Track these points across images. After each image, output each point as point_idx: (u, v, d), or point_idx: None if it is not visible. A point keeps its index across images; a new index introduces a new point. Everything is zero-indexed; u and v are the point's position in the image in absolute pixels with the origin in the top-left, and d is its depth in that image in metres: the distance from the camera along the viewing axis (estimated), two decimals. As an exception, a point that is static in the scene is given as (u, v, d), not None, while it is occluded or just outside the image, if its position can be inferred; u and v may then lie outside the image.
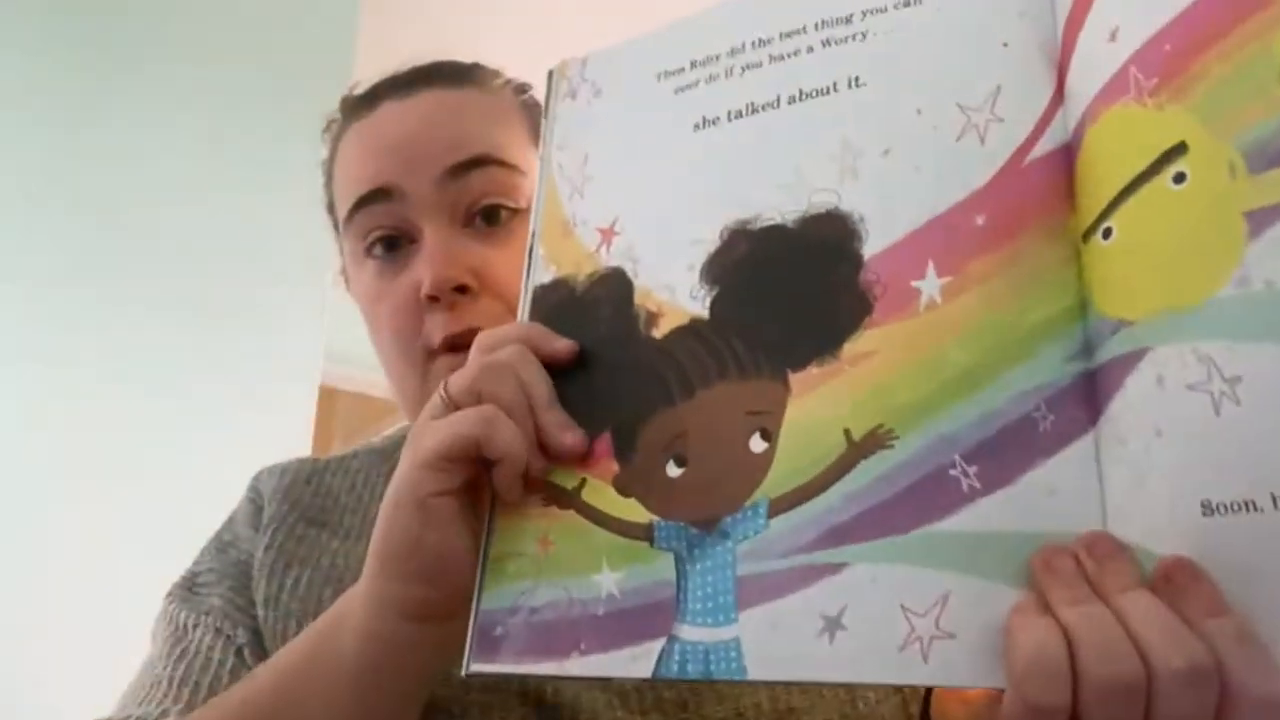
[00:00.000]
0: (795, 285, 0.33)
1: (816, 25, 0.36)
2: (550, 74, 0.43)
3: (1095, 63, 0.30)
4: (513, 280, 0.46)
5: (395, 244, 0.49)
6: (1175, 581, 0.24)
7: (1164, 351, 0.26)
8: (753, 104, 0.36)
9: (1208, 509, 0.25)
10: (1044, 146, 0.31)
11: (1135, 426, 0.26)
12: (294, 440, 1.49)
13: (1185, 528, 0.25)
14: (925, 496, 0.28)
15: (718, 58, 0.38)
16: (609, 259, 0.37)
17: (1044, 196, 0.30)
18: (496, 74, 0.54)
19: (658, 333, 0.35)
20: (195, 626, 0.47)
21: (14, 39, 1.38)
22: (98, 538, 1.29)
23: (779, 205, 0.34)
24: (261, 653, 0.46)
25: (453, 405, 0.34)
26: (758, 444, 0.31)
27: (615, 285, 0.36)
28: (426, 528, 0.33)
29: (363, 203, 0.49)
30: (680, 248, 0.35)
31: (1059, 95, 0.32)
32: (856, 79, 0.34)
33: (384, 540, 0.35)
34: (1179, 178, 0.27)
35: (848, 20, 0.35)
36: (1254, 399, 0.24)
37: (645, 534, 0.32)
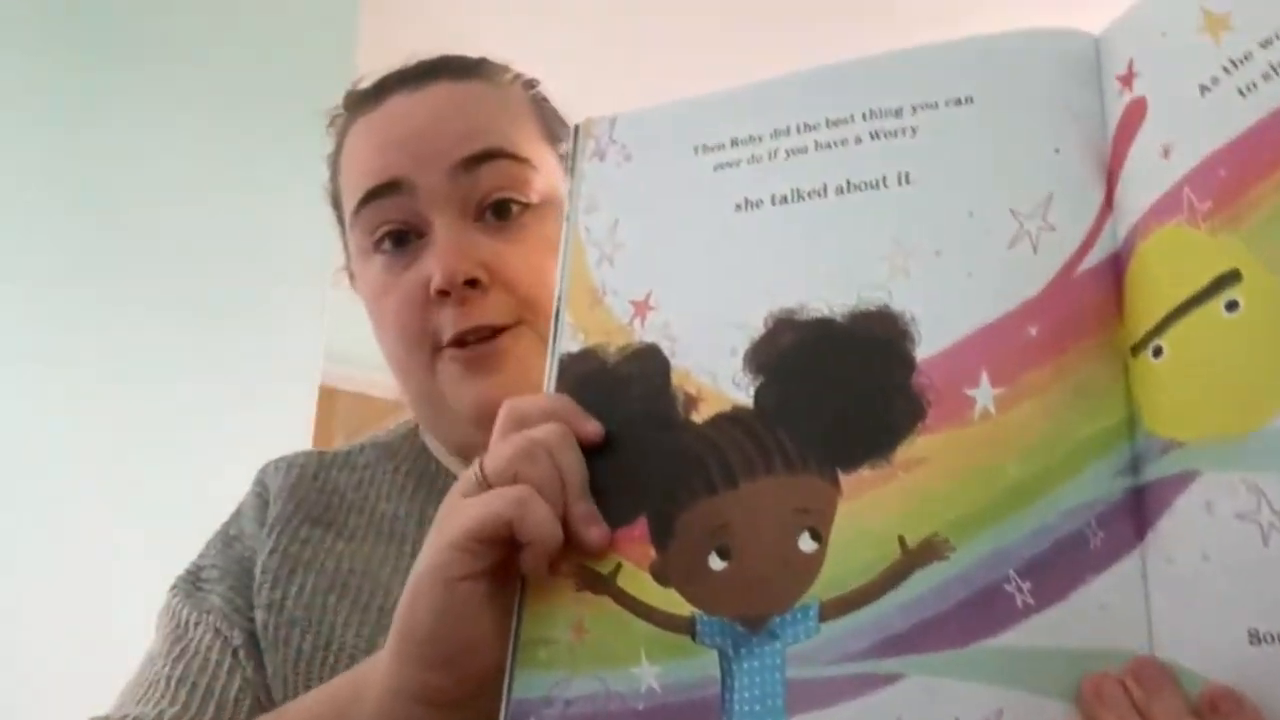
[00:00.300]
0: (846, 382, 0.33)
1: (864, 115, 0.37)
2: (575, 130, 0.43)
3: (1147, 177, 0.31)
4: (523, 274, 0.48)
5: (404, 239, 0.49)
6: (1220, 710, 0.25)
7: (1214, 478, 0.27)
8: (798, 190, 0.37)
9: (1255, 638, 0.26)
10: (1094, 257, 0.32)
11: (1183, 548, 0.27)
12: (294, 440, 1.48)
13: (1232, 655, 0.26)
14: (981, 611, 0.29)
15: (760, 138, 0.38)
16: (643, 334, 0.37)
17: (1094, 309, 0.31)
18: (505, 68, 0.54)
19: (698, 417, 0.35)
20: (197, 624, 0.48)
21: (14, 39, 1.39)
22: (98, 537, 1.30)
23: (826, 297, 0.35)
24: (256, 655, 0.46)
25: (486, 484, 0.34)
26: (807, 543, 0.32)
27: (651, 362, 0.36)
28: (449, 614, 0.33)
29: (371, 196, 0.49)
30: (722, 331, 0.36)
31: (1108, 204, 0.32)
32: (907, 175, 0.35)
33: (405, 622, 0.35)
34: (1231, 305, 0.28)
35: (897, 114, 0.36)
36: (1304, 534, 0.25)
37: (687, 627, 0.32)
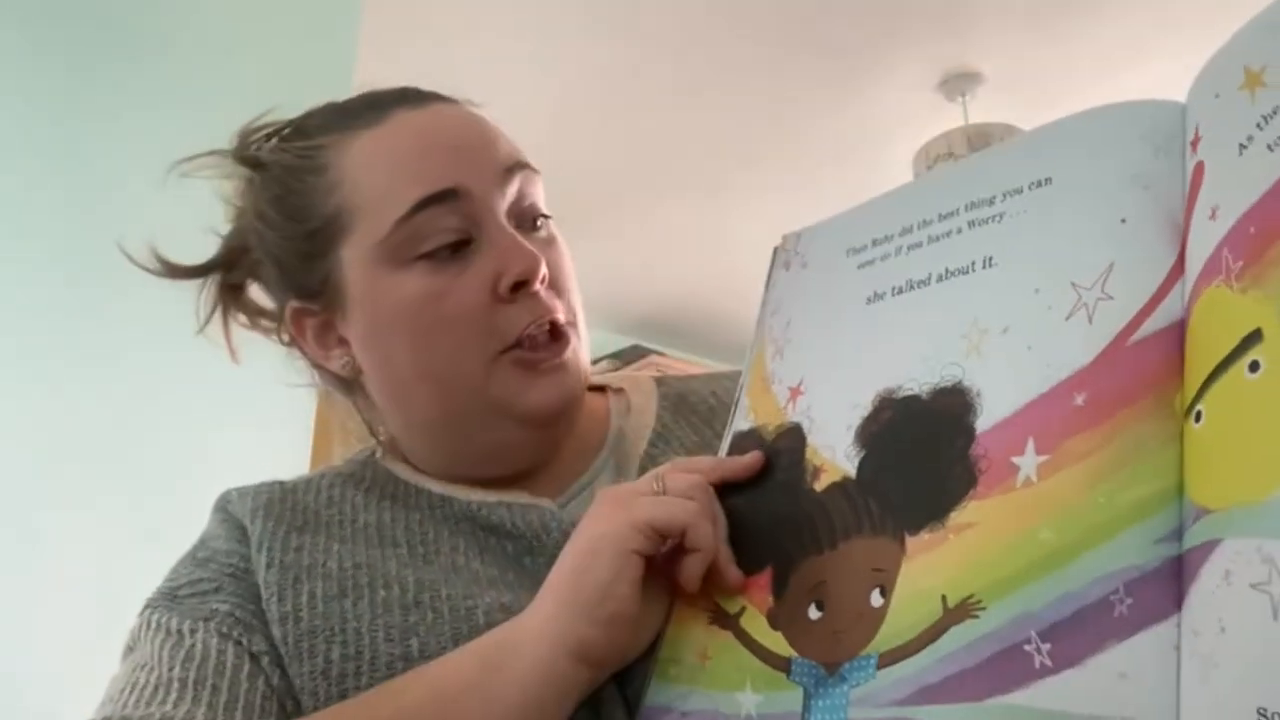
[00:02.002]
0: (920, 453, 0.37)
1: (966, 207, 0.41)
2: (775, 248, 0.52)
3: (1201, 240, 0.32)
4: (567, 276, 0.52)
5: (460, 246, 0.50)
6: None
7: (1233, 545, 0.27)
8: (910, 281, 0.42)
9: (1264, 716, 0.25)
10: (1156, 323, 0.33)
11: (1205, 619, 0.27)
12: (294, 441, 1.51)
13: (1242, 735, 0.25)
14: (1001, 668, 0.31)
15: (891, 237, 0.45)
16: (793, 414, 0.45)
17: (1149, 375, 0.32)
18: (471, 102, 0.57)
19: (818, 486, 0.42)
20: (194, 631, 0.46)
21: (14, 39, 1.42)
22: (97, 538, 1.31)
23: (918, 376, 0.39)
24: (280, 666, 0.46)
25: (664, 493, 0.41)
26: (876, 599, 0.36)
27: (794, 439, 0.44)
28: (621, 577, 0.39)
29: (430, 202, 0.49)
30: (843, 411, 0.42)
31: (1179, 267, 0.33)
32: (990, 259, 0.39)
33: (576, 582, 0.40)
34: (1254, 366, 0.28)
35: (990, 202, 0.40)
36: (1307, 607, 0.24)
37: (784, 666, 0.39)
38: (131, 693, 0.44)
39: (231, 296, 0.60)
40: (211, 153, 0.57)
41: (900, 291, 0.43)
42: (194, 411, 1.44)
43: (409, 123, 0.52)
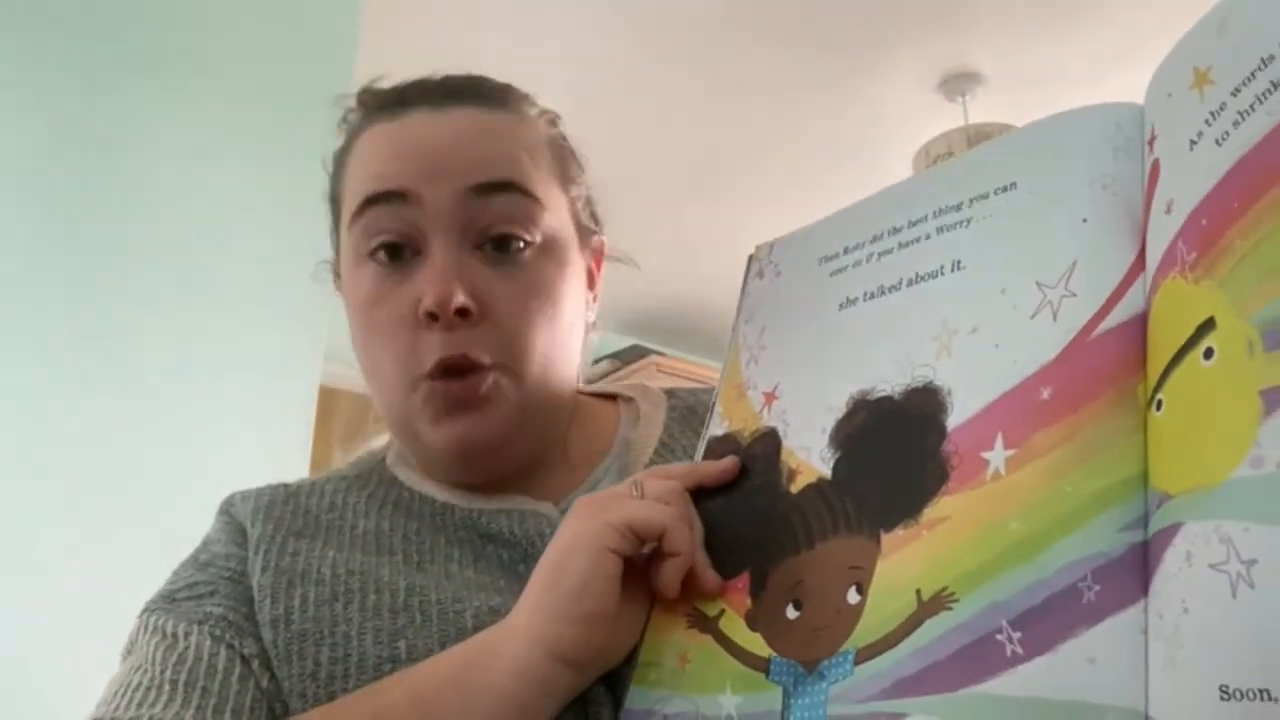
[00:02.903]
0: (893, 452, 0.39)
1: (935, 213, 0.43)
2: (750, 257, 0.54)
3: (1159, 234, 0.33)
4: (512, 313, 0.50)
5: (398, 252, 0.50)
6: None
7: (1193, 528, 0.28)
8: (882, 286, 0.44)
9: (1225, 694, 0.26)
10: (1117, 317, 0.34)
11: (1169, 602, 0.28)
12: (294, 440, 1.55)
13: (1204, 711, 0.26)
14: (973, 658, 0.32)
15: (862, 244, 0.46)
16: (769, 419, 0.46)
17: (1113, 367, 0.33)
18: (530, 101, 0.56)
19: (794, 488, 0.43)
20: (188, 634, 0.47)
21: (14, 40, 1.45)
22: (97, 537, 1.33)
23: (890, 378, 0.41)
24: (270, 669, 0.46)
25: (642, 498, 0.42)
26: (853, 596, 0.37)
27: (769, 443, 0.45)
28: (597, 574, 0.40)
29: (375, 200, 0.50)
30: (818, 414, 0.43)
31: (1139, 263, 0.34)
32: (958, 263, 0.40)
33: (553, 581, 0.40)
34: (1208, 353, 0.29)
35: (958, 208, 0.42)
36: (1267, 583, 0.25)
37: (763, 666, 0.39)
38: (124, 694, 0.45)
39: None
40: (343, 103, 0.58)
41: (871, 297, 0.44)
42: (194, 412, 1.46)
43: (411, 123, 0.52)
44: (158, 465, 1.41)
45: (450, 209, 0.50)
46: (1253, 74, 0.30)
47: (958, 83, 2.34)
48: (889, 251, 0.44)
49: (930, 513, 0.36)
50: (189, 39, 1.61)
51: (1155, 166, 0.34)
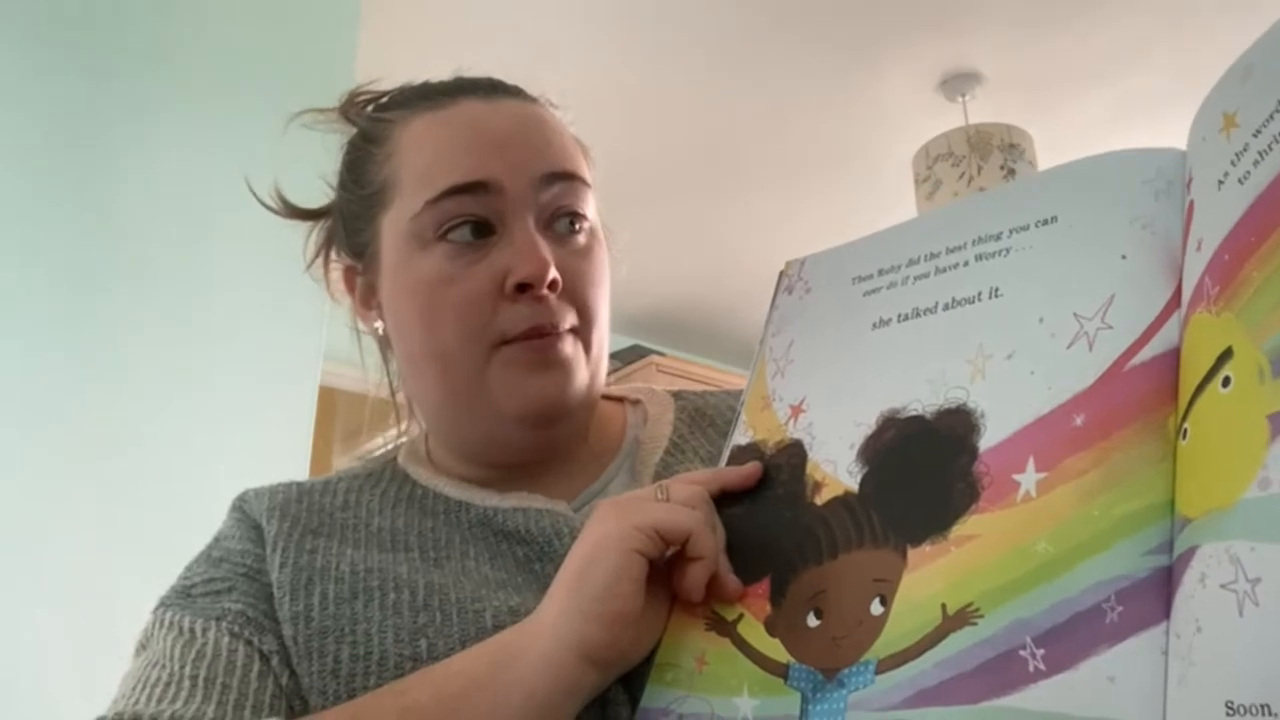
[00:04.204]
0: (924, 470, 0.41)
1: (974, 241, 0.45)
2: (780, 273, 0.57)
3: (1191, 271, 0.36)
4: (585, 285, 0.55)
5: (479, 233, 0.54)
6: None
7: (1208, 550, 0.30)
8: (917, 309, 0.46)
9: (1230, 709, 0.28)
10: (1153, 350, 0.36)
11: (1185, 621, 0.30)
12: (294, 440, 1.59)
13: (1214, 726, 0.28)
14: (996, 672, 0.34)
15: (899, 267, 0.49)
16: (794, 431, 0.49)
17: (1145, 398, 0.35)
18: (551, 103, 0.61)
19: (819, 500, 0.45)
20: (206, 630, 0.49)
21: (14, 41, 1.49)
22: (98, 537, 1.37)
23: (923, 398, 0.43)
24: (290, 666, 0.48)
25: (668, 501, 0.45)
26: (876, 608, 0.40)
27: (795, 455, 0.48)
28: (623, 576, 0.42)
29: (459, 191, 0.53)
30: (846, 429, 0.46)
31: (1175, 300, 0.37)
32: (996, 290, 0.43)
33: (580, 581, 0.42)
34: (1226, 381, 0.31)
35: (997, 237, 0.44)
36: (1271, 601, 0.27)
37: (782, 672, 0.42)
38: (143, 689, 0.46)
39: (329, 245, 0.64)
40: (323, 110, 0.62)
41: (906, 319, 0.46)
42: (194, 411, 1.50)
43: (466, 112, 0.56)
44: (157, 465, 1.44)
45: (526, 195, 0.54)
46: (1272, 115, 0.32)
47: (958, 83, 2.37)
48: (925, 276, 0.47)
49: (959, 530, 0.38)
50: (189, 40, 1.65)
51: (1190, 208, 0.37)
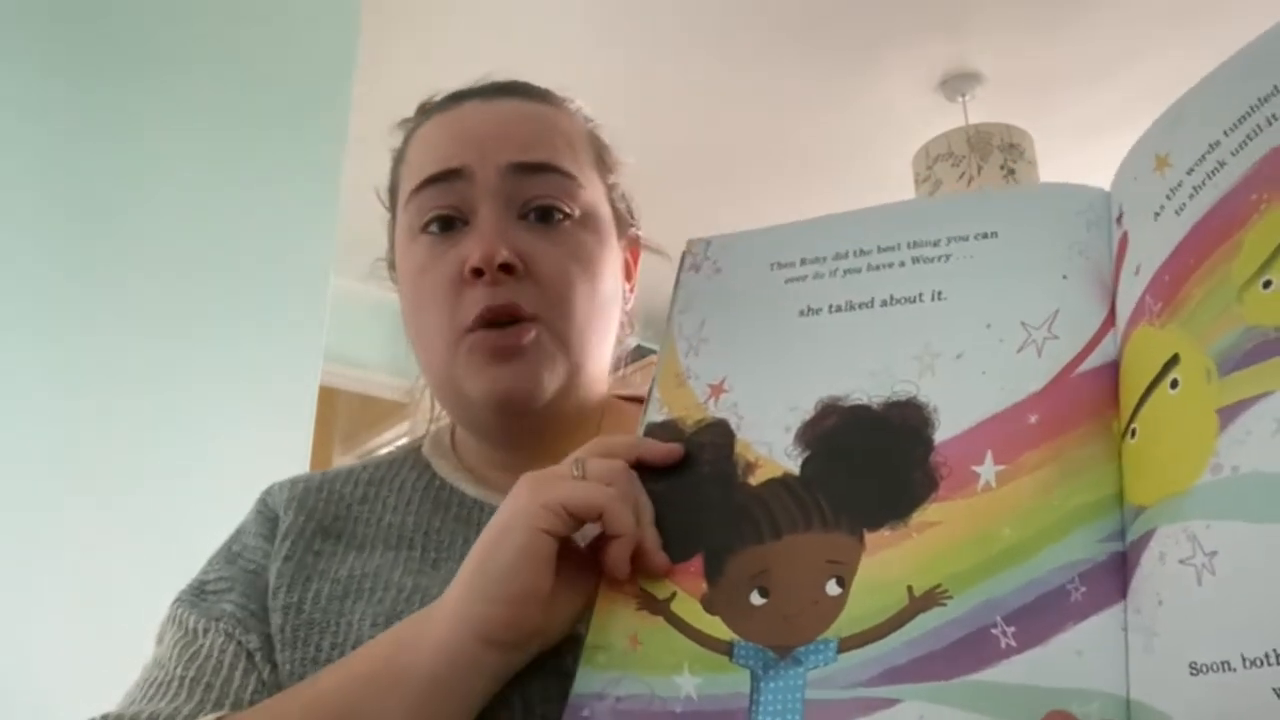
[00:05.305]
0: (876, 458, 0.44)
1: (909, 244, 0.49)
2: (683, 253, 0.58)
3: (1129, 293, 0.41)
4: (554, 271, 0.56)
5: (450, 223, 0.57)
6: None
7: (1165, 531, 0.35)
8: (850, 302, 0.49)
9: (1194, 669, 0.33)
10: (1094, 361, 0.42)
11: (1145, 597, 0.35)
12: (294, 440, 1.64)
13: (1178, 687, 0.33)
14: (969, 650, 0.38)
15: (824, 259, 0.52)
16: (716, 410, 0.50)
17: (1091, 402, 0.40)
18: (570, 100, 0.65)
19: (753, 480, 0.47)
20: (206, 631, 0.53)
21: (14, 43, 1.54)
22: (98, 537, 1.41)
23: (866, 389, 0.46)
24: (272, 659, 0.52)
25: (583, 478, 0.45)
26: (833, 589, 0.42)
27: (720, 433, 0.49)
28: (527, 555, 0.43)
29: (432, 180, 0.57)
30: (779, 412, 0.48)
31: (1110, 320, 0.42)
32: (939, 293, 0.47)
33: (483, 562, 0.44)
34: (1175, 384, 0.37)
35: (935, 244, 0.48)
36: (1226, 569, 0.33)
37: (726, 649, 0.43)
38: (143, 688, 0.51)
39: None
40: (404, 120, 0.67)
41: (839, 310, 0.49)
42: (194, 411, 1.55)
43: (463, 112, 0.60)
44: (158, 465, 1.49)
45: (496, 182, 0.57)
46: (1203, 156, 0.38)
47: (958, 83, 2.44)
48: (857, 271, 0.50)
49: (919, 517, 0.41)
50: (190, 39, 1.70)
51: (1124, 238, 0.42)
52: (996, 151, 2.33)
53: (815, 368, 0.48)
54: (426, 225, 0.58)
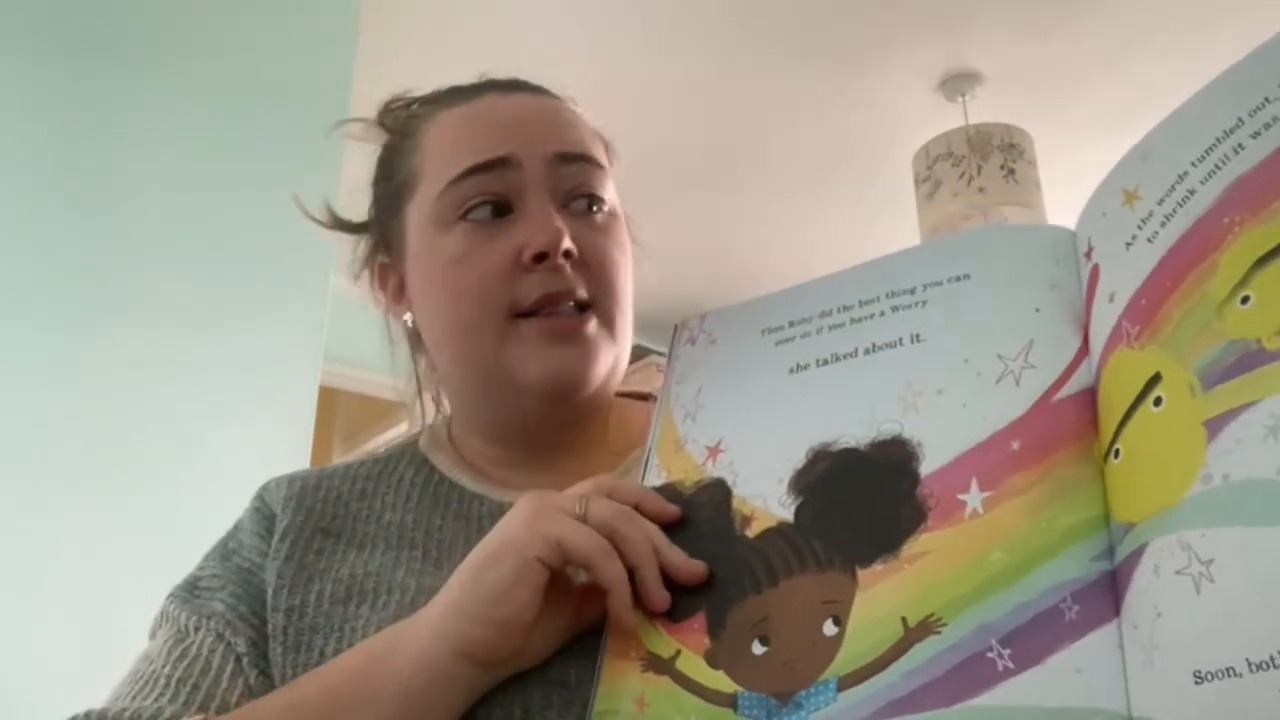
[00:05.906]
0: (865, 496, 0.44)
1: (888, 295, 0.51)
2: (676, 327, 0.60)
3: (1103, 321, 0.43)
4: (603, 258, 0.58)
5: (501, 211, 0.58)
6: None
7: (1158, 544, 0.36)
8: (836, 354, 0.51)
9: (1199, 678, 0.32)
10: (1072, 388, 0.43)
11: (1142, 611, 0.35)
12: (294, 440, 1.64)
13: (1182, 697, 0.33)
14: (966, 675, 0.37)
15: (810, 319, 0.54)
16: (714, 471, 0.51)
17: (1072, 426, 0.41)
18: (574, 100, 0.67)
19: (750, 532, 0.47)
20: (197, 629, 0.54)
21: (15, 43, 1.55)
22: (98, 537, 1.41)
23: (854, 432, 0.47)
24: (261, 662, 0.53)
25: (583, 520, 0.45)
26: (830, 628, 0.41)
27: (717, 492, 0.50)
28: (520, 581, 0.43)
29: (479, 169, 0.57)
30: (773, 464, 0.49)
31: (1084, 348, 0.43)
32: (917, 335, 0.48)
33: (476, 581, 0.44)
34: (1158, 401, 0.38)
35: (911, 291, 0.50)
36: (1224, 576, 0.33)
37: (730, 702, 0.42)
38: (132, 683, 0.52)
39: (373, 253, 0.67)
40: (361, 119, 0.67)
41: (826, 363, 0.51)
42: (194, 411, 1.55)
43: (488, 103, 0.61)
44: (158, 465, 1.49)
45: (543, 171, 0.58)
46: (1173, 186, 0.41)
47: (958, 83, 2.46)
48: (841, 325, 0.52)
49: (910, 549, 0.42)
50: (190, 39, 1.72)
51: (1095, 270, 0.44)
52: (996, 151, 2.33)
53: (805, 418, 0.49)
54: (467, 213, 0.57)
